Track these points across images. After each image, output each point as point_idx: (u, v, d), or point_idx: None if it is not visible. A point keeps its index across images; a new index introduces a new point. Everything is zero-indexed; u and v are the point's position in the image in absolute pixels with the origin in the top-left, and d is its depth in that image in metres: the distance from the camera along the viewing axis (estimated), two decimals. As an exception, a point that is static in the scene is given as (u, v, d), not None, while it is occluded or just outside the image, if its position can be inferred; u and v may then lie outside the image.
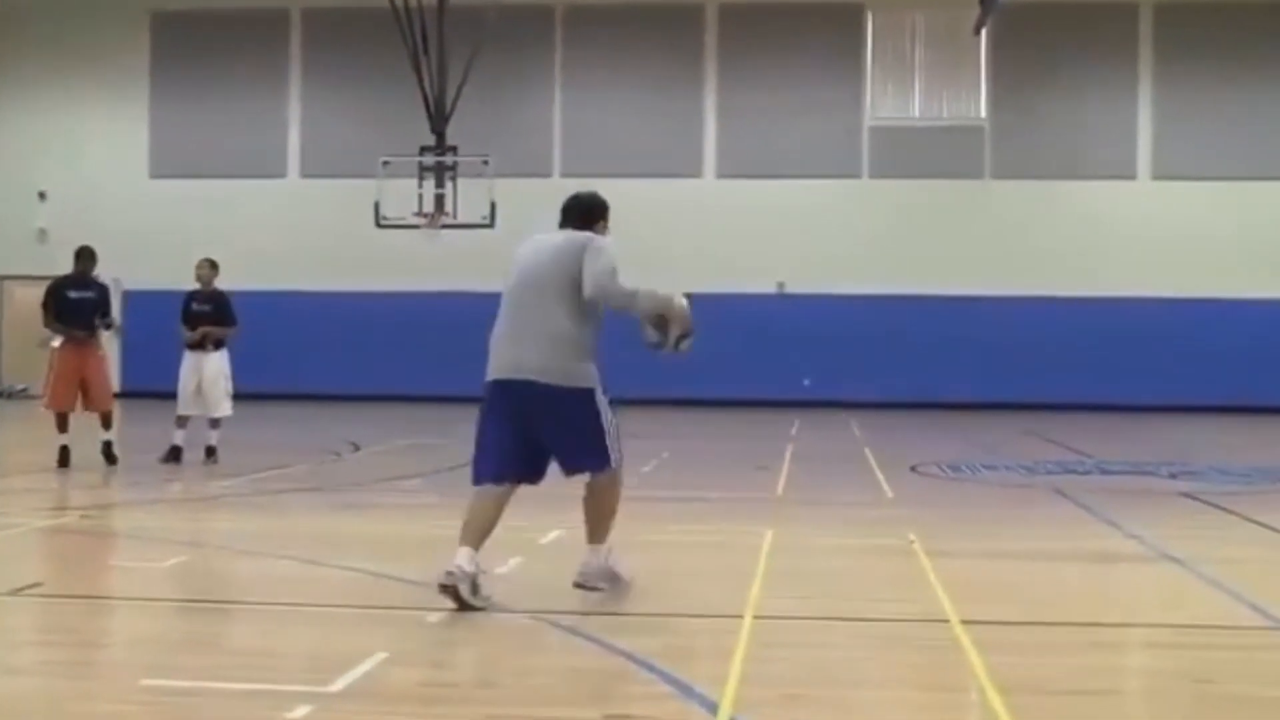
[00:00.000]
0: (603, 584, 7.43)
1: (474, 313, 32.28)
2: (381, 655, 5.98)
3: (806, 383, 29.31)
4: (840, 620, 6.97)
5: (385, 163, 25.62)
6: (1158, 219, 29.26)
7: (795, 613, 7.12)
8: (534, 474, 7.31)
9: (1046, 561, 9.10)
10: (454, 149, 25.99)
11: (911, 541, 9.38)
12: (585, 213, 7.70)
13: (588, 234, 7.47)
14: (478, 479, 7.21)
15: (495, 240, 27.30)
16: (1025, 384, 27.98)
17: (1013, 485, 13.73)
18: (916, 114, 30.04)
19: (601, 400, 7.27)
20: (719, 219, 29.85)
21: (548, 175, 30.05)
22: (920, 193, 29.68)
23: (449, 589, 6.94)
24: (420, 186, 25.85)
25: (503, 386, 7.19)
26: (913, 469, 15.21)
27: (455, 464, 15.36)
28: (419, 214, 25.68)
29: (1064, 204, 29.47)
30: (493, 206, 25.44)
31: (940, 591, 7.56)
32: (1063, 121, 29.63)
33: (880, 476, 14.41)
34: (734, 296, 29.46)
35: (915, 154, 29.73)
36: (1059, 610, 7.25)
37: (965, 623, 6.74)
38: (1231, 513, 11.42)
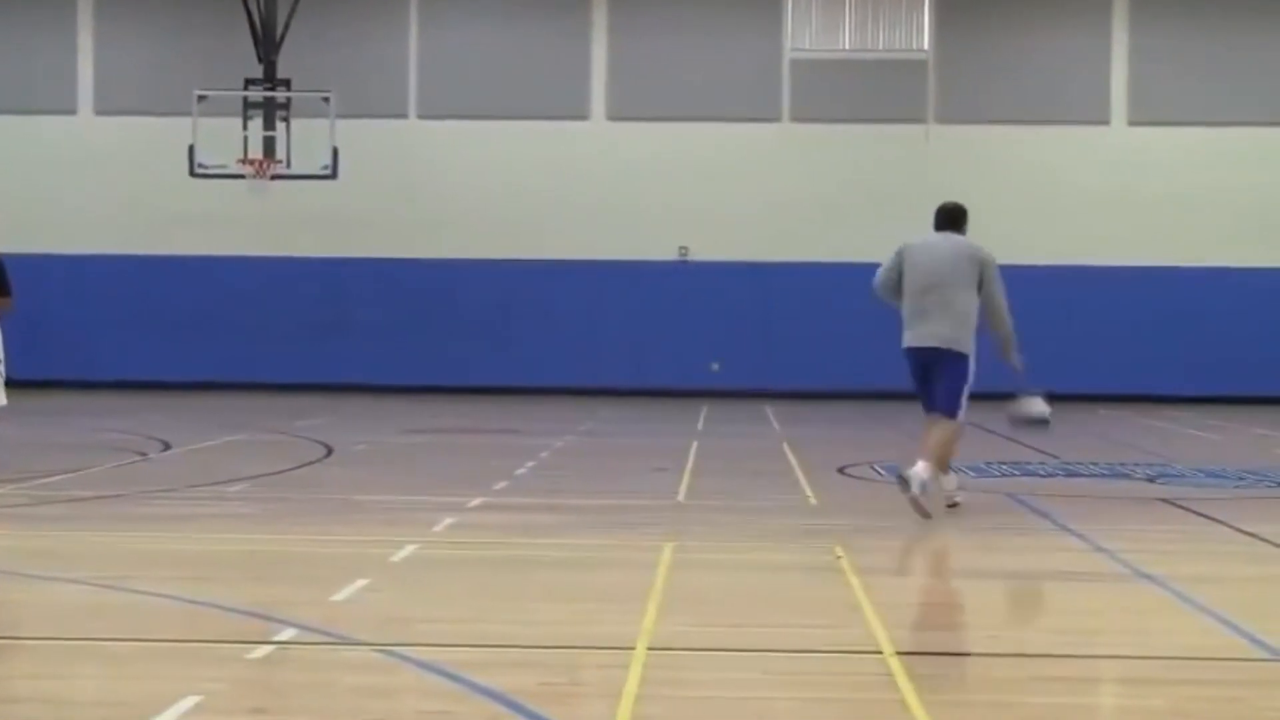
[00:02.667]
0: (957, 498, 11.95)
1: (312, 282, 32.57)
2: (192, 700, 5.89)
3: (715, 367, 29.46)
4: (751, 651, 6.98)
5: (201, 98, 25.31)
6: (1134, 172, 29.66)
7: (697, 643, 7.12)
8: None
9: (998, 580, 9.18)
10: (287, 83, 25.75)
11: (838, 557, 9.43)
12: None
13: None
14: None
15: (338, 195, 27.30)
16: (975, 369, 28.24)
17: (961, 490, 13.84)
18: (846, 45, 30.19)
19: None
20: (609, 171, 29.83)
21: (402, 116, 29.90)
22: (851, 140, 29.87)
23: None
24: (245, 128, 25.58)
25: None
26: (841, 470, 15.32)
27: (291, 464, 15.23)
28: (243, 161, 25.40)
29: (1022, 153, 29.80)
30: (335, 153, 25.25)
31: (871, 616, 7.60)
32: (1020, 56, 29.94)
33: (802, 479, 14.48)
34: (627, 264, 29.56)
35: (845, 93, 29.90)
36: (1012, 639, 7.30)
37: (900, 654, 6.77)
38: (1218, 522, 11.61)
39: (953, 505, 11.95)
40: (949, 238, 12.00)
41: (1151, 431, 21.95)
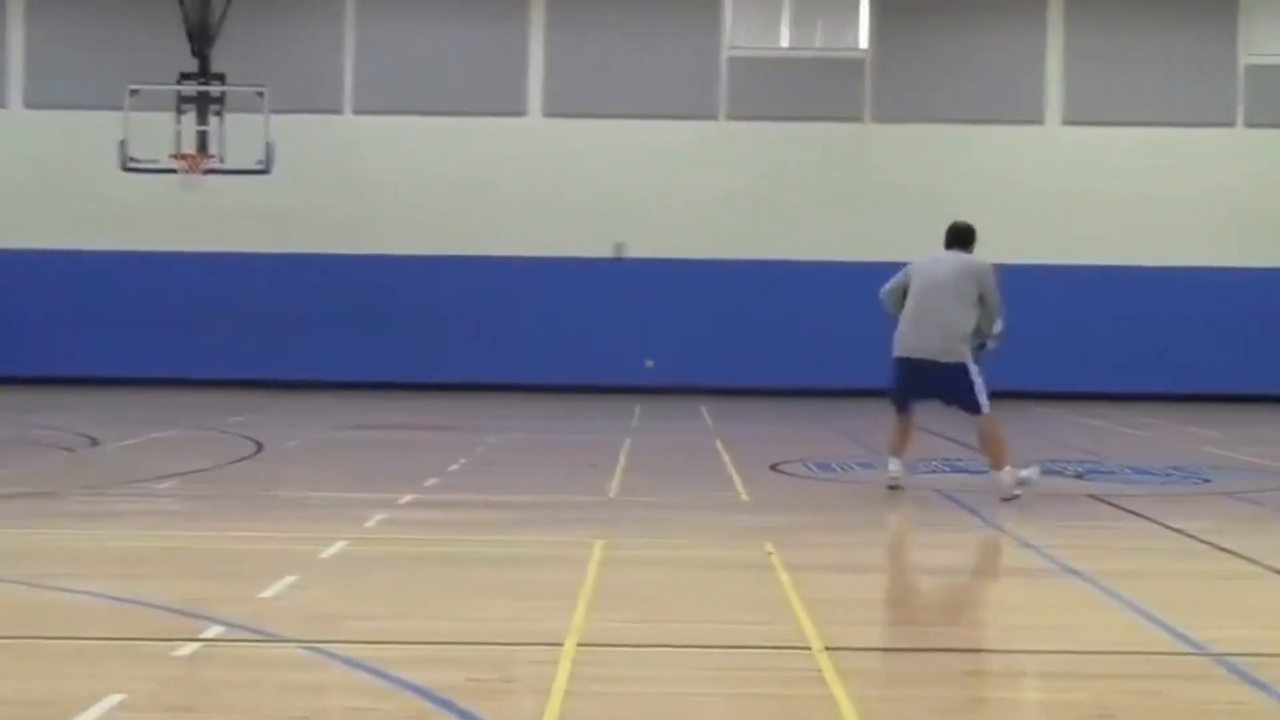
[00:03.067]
0: (1018, 491, 12.50)
1: (246, 278, 32.34)
2: (116, 698, 5.86)
3: (649, 364, 29.44)
4: (681, 648, 6.99)
5: (134, 91, 25.11)
6: (1069, 172, 29.83)
7: (628, 639, 7.13)
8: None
9: (927, 576, 9.23)
10: (221, 77, 25.62)
11: (769, 553, 9.46)
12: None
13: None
14: None
15: (272, 190, 27.15)
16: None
17: (868, 483, 13.90)
18: (784, 43, 30.24)
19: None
20: (545, 168, 29.75)
21: (337, 111, 29.74)
22: (788, 138, 29.90)
23: None
24: (178, 122, 25.42)
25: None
26: (774, 467, 15.35)
27: (221, 460, 15.15)
28: (176, 156, 25.24)
29: (959, 152, 29.90)
30: (269, 148, 25.11)
31: (801, 612, 7.63)
32: (957, 55, 30.04)
33: (735, 475, 14.51)
34: (562, 261, 29.51)
35: (782, 91, 29.93)
36: (940, 634, 7.35)
37: (829, 649, 6.80)
38: (1145, 518, 11.71)
39: (1010, 498, 12.56)
40: (957, 255, 13.12)
41: (1083, 429, 22.10)
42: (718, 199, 29.71)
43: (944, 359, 12.78)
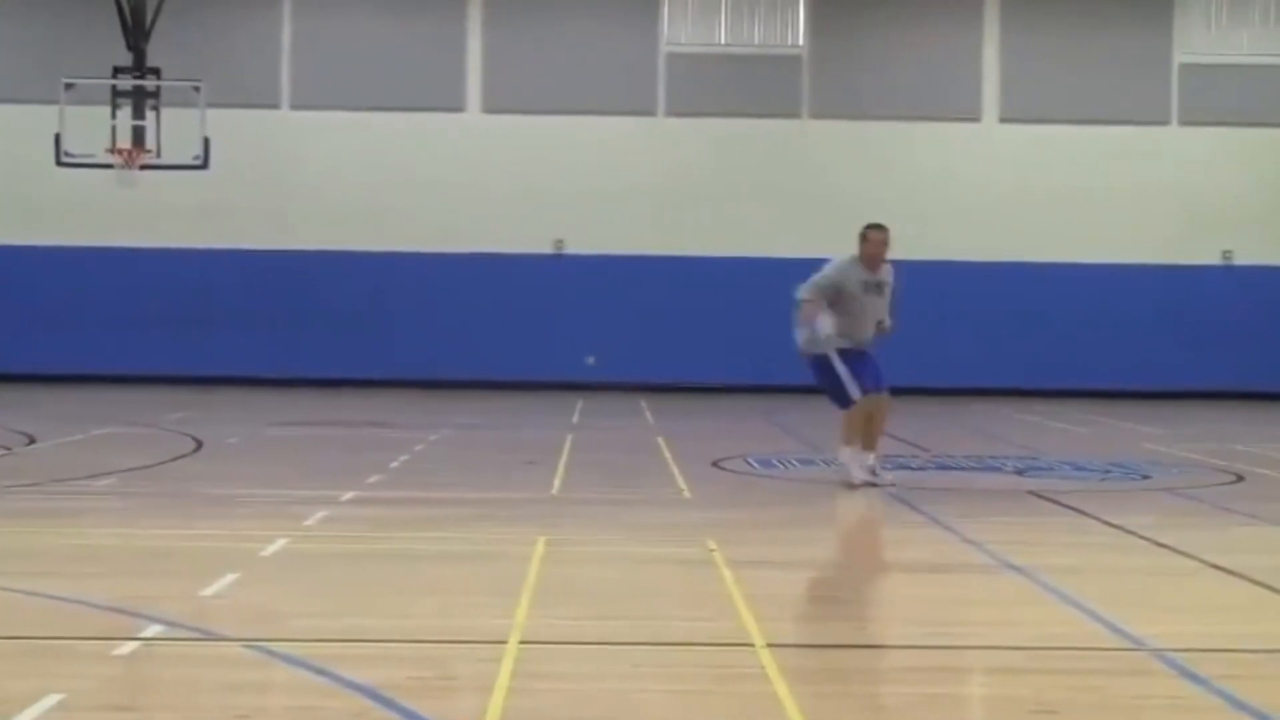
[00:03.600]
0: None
1: (183, 274, 32.13)
2: (54, 698, 5.81)
3: (590, 361, 29.44)
4: (623, 645, 7.00)
5: (69, 85, 24.88)
6: (1006, 169, 30.02)
7: (570, 636, 7.13)
8: None
9: (869, 573, 9.28)
10: (157, 71, 25.38)
11: (711, 550, 9.48)
12: None
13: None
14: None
15: (209, 186, 26.96)
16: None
17: (832, 483, 13.95)
18: (722, 40, 30.30)
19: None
20: (484, 164, 29.72)
21: (274, 106, 29.62)
22: (726, 134, 29.97)
23: None
24: (114, 117, 25.16)
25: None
26: (715, 464, 15.39)
27: (160, 458, 15.06)
28: (112, 150, 25.03)
29: (896, 149, 30.05)
30: (206, 143, 24.90)
31: (743, 609, 7.65)
32: (894, 52, 30.18)
33: (676, 472, 14.55)
34: (502, 257, 29.49)
35: (720, 87, 29.99)
36: (880, 630, 7.39)
37: (771, 646, 6.82)
38: (1084, 514, 11.80)
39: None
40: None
41: (1022, 425, 22.24)
42: (657, 195, 29.76)
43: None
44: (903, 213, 29.55)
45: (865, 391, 13.42)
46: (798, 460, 16.03)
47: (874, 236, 14.00)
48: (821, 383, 13.54)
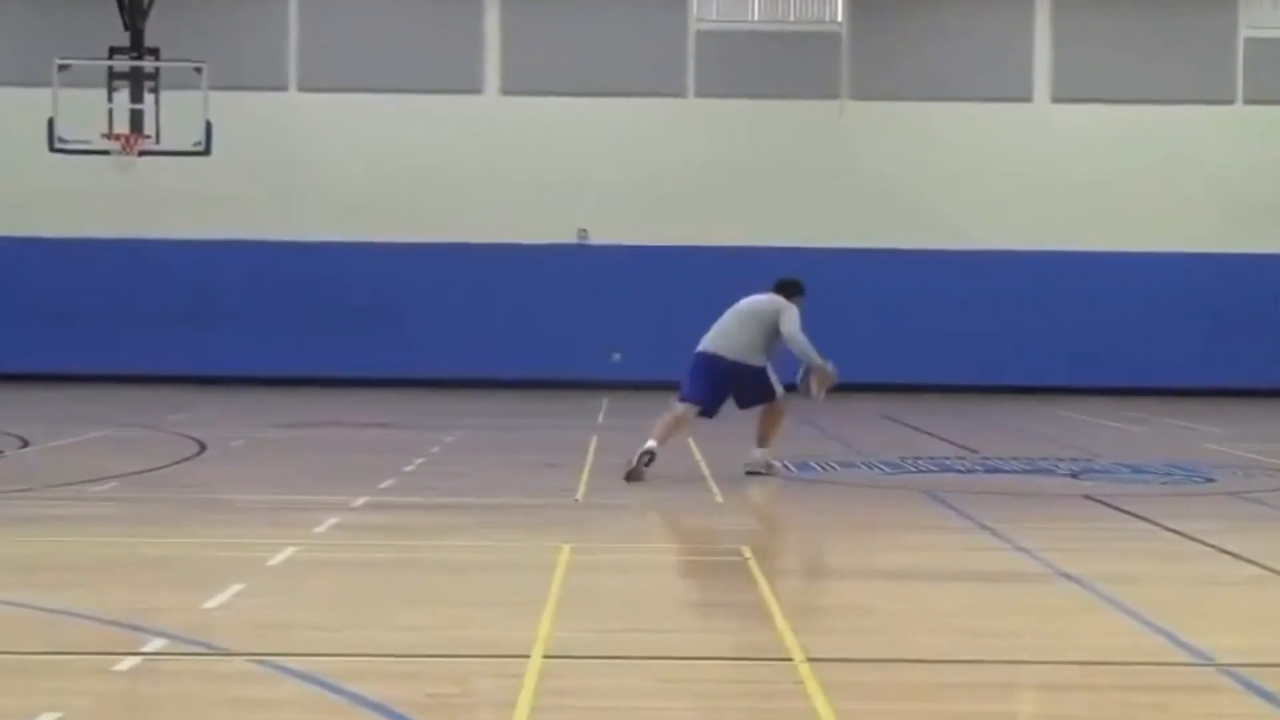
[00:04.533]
0: (762, 469, 14.49)
1: (183, 266, 32.21)
2: (52, 716, 5.82)
3: (617, 357, 29.45)
4: (653, 659, 6.98)
5: (63, 67, 24.94)
6: (1059, 151, 29.93)
7: (597, 650, 7.12)
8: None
9: (915, 582, 9.24)
10: (155, 52, 25.44)
11: (746, 558, 9.47)
12: (786, 287, 15.03)
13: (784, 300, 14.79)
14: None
15: (211, 173, 27.02)
16: (886, 361, 28.50)
17: (875, 487, 13.94)
18: (755, 16, 30.28)
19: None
20: (503, 148, 29.75)
21: (281, 89, 29.68)
22: (759, 117, 29.95)
23: None
24: (110, 100, 25.24)
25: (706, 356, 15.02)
26: (750, 469, 15.36)
27: (161, 461, 15.10)
28: (109, 136, 25.10)
29: (940, 132, 30.00)
30: (208, 128, 24.97)
31: (780, 621, 7.63)
32: (939, 30, 30.13)
33: (708, 475, 14.54)
34: (523, 248, 29.51)
35: (753, 67, 29.98)
36: (930, 644, 7.36)
37: (812, 660, 6.81)
38: (1143, 519, 11.76)
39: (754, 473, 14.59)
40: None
41: (1075, 424, 22.17)
42: (686, 181, 29.75)
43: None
44: (947, 200, 29.82)
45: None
46: (837, 463, 16.00)
47: None
48: (753, 386, 14.71)
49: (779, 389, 14.65)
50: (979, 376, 28.89)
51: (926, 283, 29.12)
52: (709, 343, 15.08)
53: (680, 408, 14.89)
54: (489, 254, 29.46)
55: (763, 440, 14.78)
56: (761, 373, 14.64)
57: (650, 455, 14.12)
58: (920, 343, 28.96)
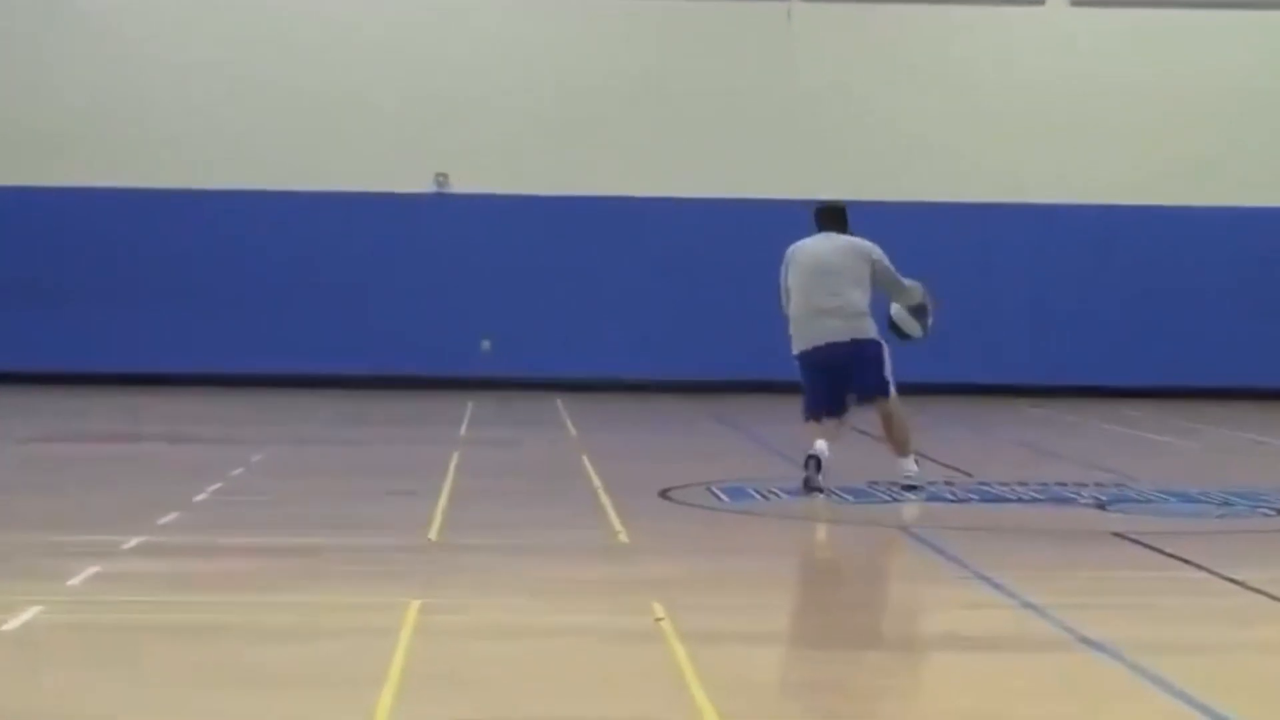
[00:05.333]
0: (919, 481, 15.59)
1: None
2: None
3: (486, 346, 29.43)
4: (531, 758, 6.94)
5: None
6: (1079, 72, 30.09)
7: (454, 743, 7.07)
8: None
9: (888, 653, 9.22)
10: None
11: (659, 619, 9.40)
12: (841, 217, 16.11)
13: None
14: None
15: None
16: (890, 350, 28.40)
17: (834, 521, 13.95)
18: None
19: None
20: (335, 68, 29.73)
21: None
22: (684, 21, 30.00)
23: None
24: None
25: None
26: (664, 493, 15.37)
27: None
28: None
29: (920, 44, 30.12)
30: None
31: (704, 701, 7.58)
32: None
33: (609, 505, 14.50)
34: (362, 199, 29.39)
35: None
36: (905, 734, 7.34)
37: (746, 756, 6.77)
38: (1192, 564, 11.79)
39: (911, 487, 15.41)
40: (831, 237, 15.87)
41: (1105, 435, 22.34)
42: (585, 110, 29.78)
43: (855, 336, 15.54)
44: (935, 136, 29.86)
45: None
46: (783, 490, 15.94)
47: None
48: (861, 373, 15.63)
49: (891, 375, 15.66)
50: (975, 372, 29.00)
51: (904, 243, 29.12)
52: (813, 331, 15.65)
53: (815, 427, 15.66)
54: (317, 206, 29.33)
55: (902, 445, 15.66)
56: (880, 350, 15.65)
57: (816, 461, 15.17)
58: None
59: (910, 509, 14.60)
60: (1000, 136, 29.87)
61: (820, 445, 15.20)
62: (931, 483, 15.88)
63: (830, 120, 29.51)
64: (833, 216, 16.15)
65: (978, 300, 29.06)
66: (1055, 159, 29.89)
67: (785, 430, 21.02)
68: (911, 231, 29.00)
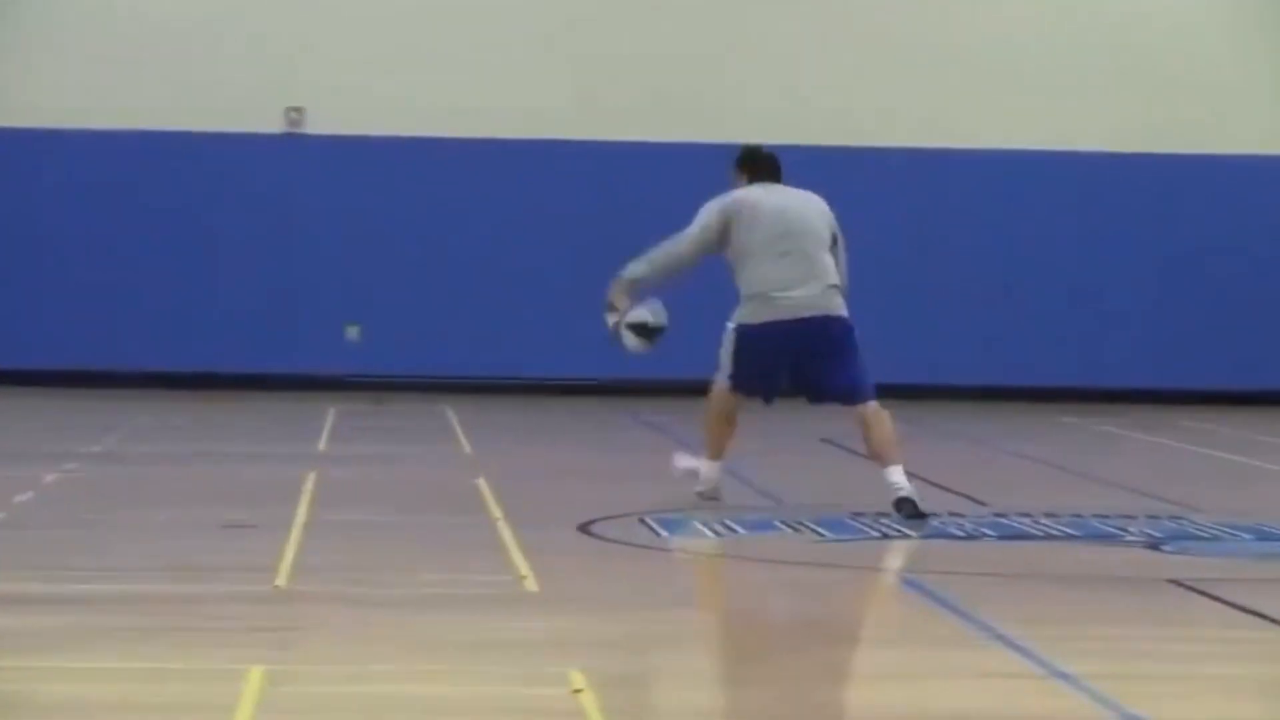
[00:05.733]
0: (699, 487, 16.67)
1: None
2: None
3: (353, 334, 29.42)
4: None
5: None
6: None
7: None
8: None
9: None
10: None
11: (577, 690, 9.36)
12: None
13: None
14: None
15: None
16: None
17: (808, 564, 13.90)
18: None
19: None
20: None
21: None
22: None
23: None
24: None
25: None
26: (584, 527, 15.39)
27: None
28: None
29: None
30: None
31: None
32: None
33: (511, 542, 14.47)
34: (193, 139, 29.33)
35: None
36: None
37: None
38: (1269, 619, 11.78)
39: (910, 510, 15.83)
40: (792, 190, 16.82)
41: (1152, 455, 22.39)
42: (472, 33, 30.07)
43: (836, 312, 16.42)
44: (916, 64, 30.06)
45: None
46: (739, 521, 15.92)
47: None
48: (842, 365, 16.49)
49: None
50: (984, 370, 29.08)
51: (881, 199, 29.35)
52: (796, 297, 16.40)
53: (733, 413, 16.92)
54: (137, 148, 29.30)
55: (887, 456, 16.23)
56: (851, 330, 16.51)
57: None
58: (886, 314, 29.05)
59: (907, 547, 14.53)
60: (1003, 70, 30.09)
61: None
62: (934, 514, 15.91)
63: (778, 52, 29.69)
64: (777, 166, 16.99)
65: (988, 278, 29.16)
66: (1087, 99, 30.08)
67: (746, 448, 21.06)
68: (874, 177, 29.31)
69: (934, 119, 29.62)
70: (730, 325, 16.50)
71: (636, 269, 16.64)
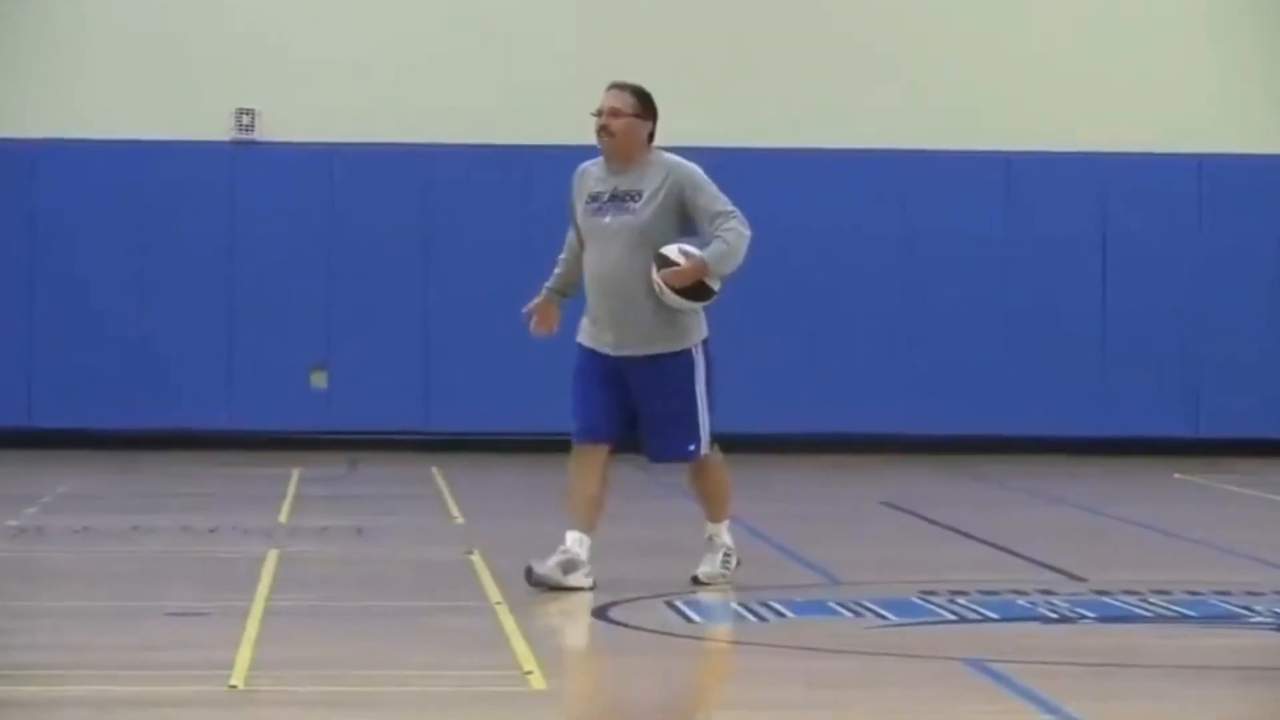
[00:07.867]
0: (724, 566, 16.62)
1: None
2: None
3: (319, 379, 29.42)
4: None
5: None
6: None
7: None
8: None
9: None
10: None
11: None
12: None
13: None
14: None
15: None
16: (887, 390, 28.84)
17: (868, 652, 13.74)
18: None
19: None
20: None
21: None
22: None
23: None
24: None
25: None
26: (601, 611, 15.35)
27: None
28: None
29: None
30: None
31: None
32: None
33: (513, 629, 14.37)
34: (133, 148, 29.37)
35: None
36: None
37: None
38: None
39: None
40: None
41: (1274, 515, 22.33)
42: (435, 30, 30.49)
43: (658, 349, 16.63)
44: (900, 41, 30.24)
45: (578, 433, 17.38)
46: (782, 602, 15.81)
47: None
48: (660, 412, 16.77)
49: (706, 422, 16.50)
50: (1068, 420, 29.07)
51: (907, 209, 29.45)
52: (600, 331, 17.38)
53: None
54: (79, 159, 29.39)
55: (717, 509, 16.63)
56: (691, 366, 16.52)
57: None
58: (945, 345, 29.12)
59: (988, 632, 14.38)
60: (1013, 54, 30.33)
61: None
62: (1021, 592, 15.82)
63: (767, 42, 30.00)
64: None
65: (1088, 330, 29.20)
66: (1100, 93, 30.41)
67: (774, 507, 21.02)
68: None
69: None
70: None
71: (716, 251, 16.22)
